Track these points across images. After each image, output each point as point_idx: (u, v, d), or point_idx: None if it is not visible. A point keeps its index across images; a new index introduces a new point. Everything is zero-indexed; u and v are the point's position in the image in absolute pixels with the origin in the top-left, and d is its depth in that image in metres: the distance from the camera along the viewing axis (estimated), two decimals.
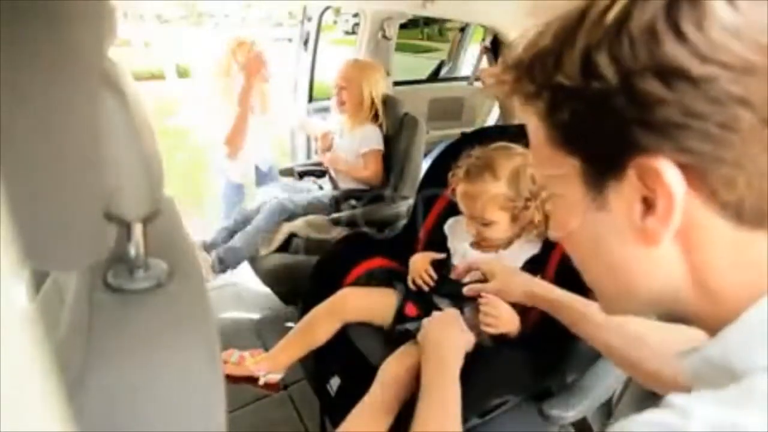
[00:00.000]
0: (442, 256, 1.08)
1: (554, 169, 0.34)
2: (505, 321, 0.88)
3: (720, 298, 0.31)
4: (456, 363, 0.78)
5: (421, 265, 1.07)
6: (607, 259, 0.34)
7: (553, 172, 0.35)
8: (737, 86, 0.25)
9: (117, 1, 0.39)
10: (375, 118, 1.80)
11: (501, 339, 0.92)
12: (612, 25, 0.27)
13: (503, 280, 0.87)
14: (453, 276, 0.99)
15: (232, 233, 1.66)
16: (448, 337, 0.83)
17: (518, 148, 0.98)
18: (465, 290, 0.92)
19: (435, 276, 1.05)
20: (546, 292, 0.80)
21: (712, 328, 0.31)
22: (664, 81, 0.26)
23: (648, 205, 0.29)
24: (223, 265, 1.58)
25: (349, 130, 1.81)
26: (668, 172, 0.27)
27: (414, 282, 1.06)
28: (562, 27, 0.30)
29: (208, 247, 1.62)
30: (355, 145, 1.77)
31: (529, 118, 0.35)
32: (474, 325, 0.92)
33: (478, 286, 0.90)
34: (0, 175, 0.19)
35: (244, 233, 1.62)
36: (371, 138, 1.77)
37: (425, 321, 0.90)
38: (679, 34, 0.25)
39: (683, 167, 0.27)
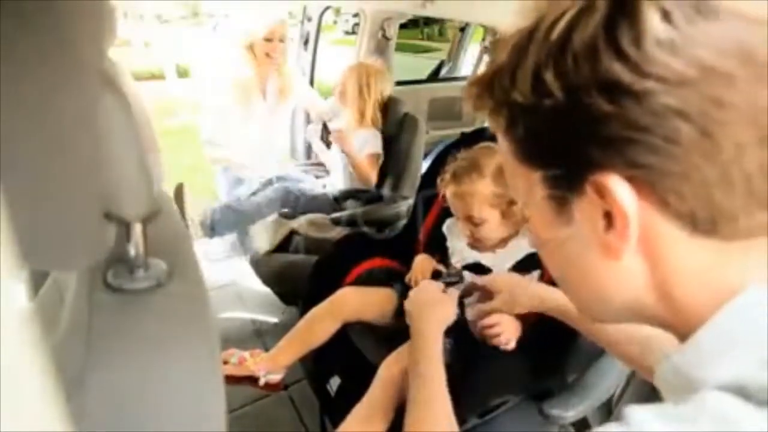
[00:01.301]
0: (443, 269, 1.08)
1: (521, 182, 0.35)
2: (507, 332, 0.88)
3: (685, 308, 0.31)
4: (435, 336, 0.78)
5: (423, 267, 1.07)
6: (578, 271, 0.35)
7: (521, 186, 0.35)
8: (674, 99, 0.25)
9: (117, 1, 0.39)
10: (375, 119, 1.81)
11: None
12: (556, 42, 0.28)
13: (509, 293, 0.86)
14: (469, 318, 0.97)
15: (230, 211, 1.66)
16: (425, 312, 0.83)
17: None
18: (471, 316, 0.93)
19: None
20: (554, 296, 0.79)
21: (682, 336, 0.32)
22: (607, 96, 0.26)
23: (609, 219, 0.30)
24: (213, 224, 1.55)
25: (351, 130, 1.81)
26: (619, 188, 0.28)
27: (412, 282, 1.07)
28: (516, 44, 0.31)
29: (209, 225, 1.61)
30: (355, 148, 1.77)
31: (495, 131, 0.35)
32: (473, 322, 0.92)
33: (486, 307, 0.89)
34: (0, 175, 0.19)
35: (245, 201, 1.62)
36: (370, 142, 1.77)
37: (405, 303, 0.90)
38: (618, 50, 0.26)
39: (634, 181, 0.28)
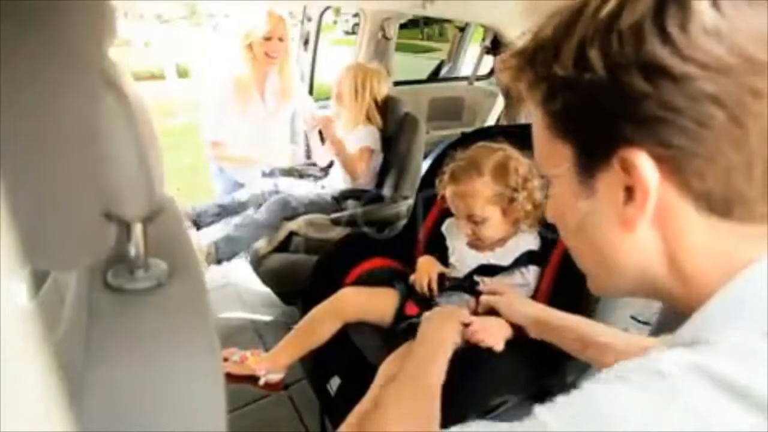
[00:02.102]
0: (448, 270, 1.08)
1: (551, 154, 0.36)
2: (495, 335, 0.87)
3: (693, 282, 0.33)
4: (442, 355, 0.76)
5: (428, 269, 1.07)
6: (593, 241, 0.36)
7: (550, 158, 0.37)
8: (712, 85, 0.26)
9: (117, 1, 0.39)
10: (374, 118, 1.81)
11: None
12: (604, 20, 0.29)
13: (508, 298, 0.89)
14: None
15: (222, 210, 1.65)
16: (441, 330, 0.82)
17: (497, 145, 1.01)
18: (482, 300, 0.93)
19: (436, 290, 1.05)
20: (554, 318, 0.80)
21: (687, 310, 0.33)
22: (646, 77, 0.27)
23: (629, 193, 0.31)
24: (219, 255, 1.55)
25: (348, 129, 1.81)
26: (645, 165, 0.29)
27: (417, 284, 1.06)
28: (562, 20, 0.32)
29: (196, 221, 1.60)
30: (351, 144, 1.77)
31: (531, 103, 0.37)
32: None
33: (491, 299, 0.91)
34: (0, 175, 0.19)
35: (243, 226, 1.60)
36: (366, 137, 1.77)
37: (426, 313, 0.90)
38: (664, 34, 0.27)
39: (660, 159, 0.29)
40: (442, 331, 0.81)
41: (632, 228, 0.32)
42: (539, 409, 0.31)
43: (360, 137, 1.77)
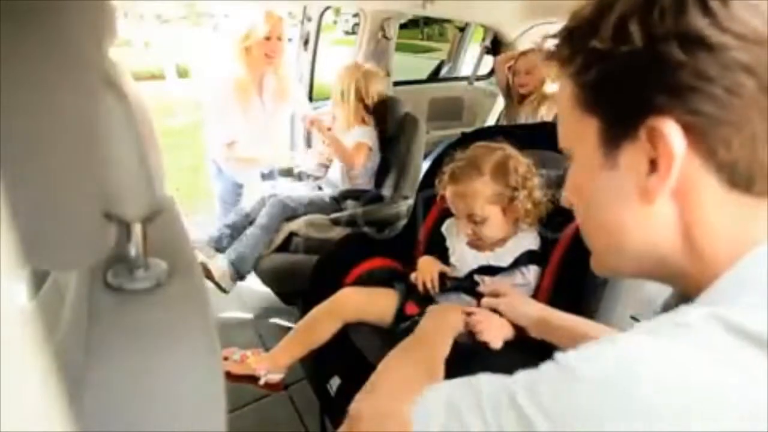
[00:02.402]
0: (449, 269, 1.08)
1: (575, 129, 0.38)
2: (493, 330, 0.88)
3: (705, 259, 0.33)
4: (447, 332, 0.77)
5: (430, 268, 1.07)
6: (607, 215, 0.37)
7: (575, 132, 0.38)
8: (746, 55, 0.27)
9: (117, 1, 0.39)
10: (367, 119, 1.81)
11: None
12: None
13: (510, 299, 0.89)
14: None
15: (233, 231, 1.66)
16: (445, 316, 0.83)
17: (497, 144, 1.01)
18: (483, 302, 0.93)
19: (437, 288, 1.05)
20: (556, 318, 0.81)
21: (695, 291, 0.33)
22: (683, 47, 0.29)
23: (653, 166, 0.32)
24: (239, 272, 1.59)
25: (343, 130, 1.82)
26: (672, 132, 0.30)
27: (418, 282, 1.06)
28: (602, 0, 0.33)
29: (215, 245, 1.63)
30: (347, 142, 1.77)
31: (561, 80, 0.38)
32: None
33: (492, 301, 0.91)
34: (0, 175, 0.19)
35: (250, 236, 1.62)
36: (362, 135, 1.77)
37: (430, 307, 0.91)
38: (705, 7, 0.28)
39: (687, 128, 0.30)
40: (446, 316, 0.82)
41: (652, 199, 0.33)
42: (563, 356, 0.31)
43: (355, 135, 1.77)
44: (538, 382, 0.30)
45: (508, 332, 0.88)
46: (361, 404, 0.56)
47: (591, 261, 0.43)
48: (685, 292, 0.36)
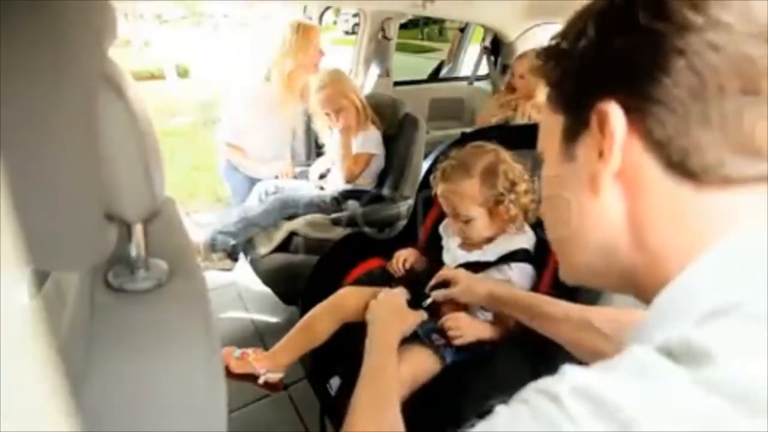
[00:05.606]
0: (423, 262, 1.14)
1: (547, 128, 0.40)
2: (468, 331, 0.92)
3: (654, 254, 0.34)
4: (391, 346, 0.83)
5: (403, 253, 1.14)
6: (564, 210, 0.38)
7: (546, 132, 0.40)
8: (679, 40, 0.30)
9: (117, 1, 0.39)
10: (373, 119, 1.80)
11: (499, 341, 0.93)
12: (604, 2, 0.34)
13: (466, 284, 0.94)
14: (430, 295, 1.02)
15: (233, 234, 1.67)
16: (385, 333, 0.87)
17: (491, 146, 1.03)
18: (433, 295, 0.99)
19: (405, 267, 1.13)
20: (506, 293, 0.87)
21: (650, 295, 0.33)
22: (624, 34, 0.32)
23: (602, 155, 0.34)
24: (233, 252, 1.64)
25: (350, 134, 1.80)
26: (614, 111, 0.32)
27: (391, 268, 1.14)
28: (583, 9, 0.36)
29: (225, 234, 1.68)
30: (356, 147, 1.76)
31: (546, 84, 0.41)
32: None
33: (444, 291, 0.96)
34: (1, 176, 0.19)
35: (241, 221, 1.66)
36: (370, 141, 1.76)
37: (372, 303, 0.95)
38: (648, 3, 0.31)
39: (628, 110, 0.32)
40: (386, 335, 0.85)
41: (598, 187, 0.34)
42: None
43: (366, 141, 1.76)
44: None
45: (478, 328, 0.93)
46: None
47: (559, 271, 0.43)
48: (643, 302, 0.36)
